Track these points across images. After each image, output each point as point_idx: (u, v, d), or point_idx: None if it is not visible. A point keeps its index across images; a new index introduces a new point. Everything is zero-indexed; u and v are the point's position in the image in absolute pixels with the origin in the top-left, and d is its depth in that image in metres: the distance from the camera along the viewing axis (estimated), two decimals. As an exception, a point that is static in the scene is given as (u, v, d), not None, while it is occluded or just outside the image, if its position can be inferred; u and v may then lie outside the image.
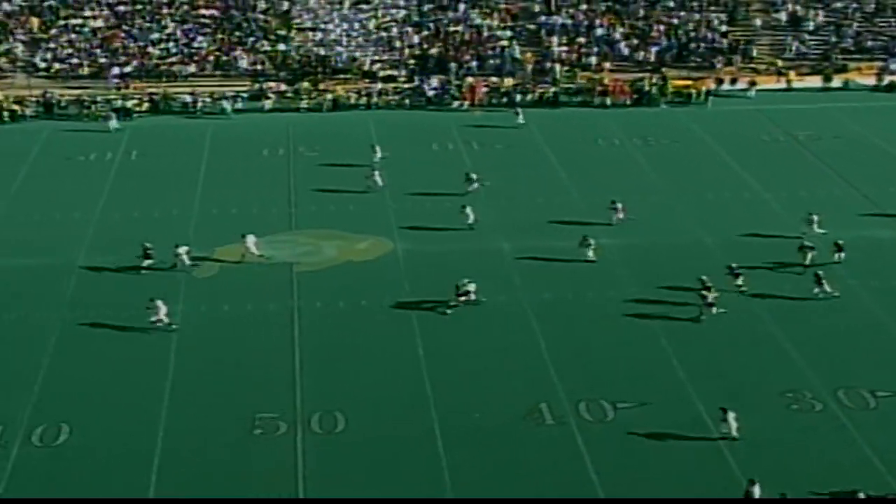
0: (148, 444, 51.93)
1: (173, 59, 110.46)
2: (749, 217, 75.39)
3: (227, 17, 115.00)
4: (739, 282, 64.46)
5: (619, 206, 74.56)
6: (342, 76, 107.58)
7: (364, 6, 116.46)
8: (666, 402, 54.35)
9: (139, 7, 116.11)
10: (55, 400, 55.78)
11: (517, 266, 68.99)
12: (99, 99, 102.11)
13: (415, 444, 51.76)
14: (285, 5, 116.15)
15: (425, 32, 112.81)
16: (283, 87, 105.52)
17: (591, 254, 69.24)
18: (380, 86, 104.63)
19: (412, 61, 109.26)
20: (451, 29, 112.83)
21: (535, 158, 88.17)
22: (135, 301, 64.83)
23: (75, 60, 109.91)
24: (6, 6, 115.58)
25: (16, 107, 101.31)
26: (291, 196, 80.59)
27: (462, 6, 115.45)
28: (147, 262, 68.95)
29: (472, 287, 63.57)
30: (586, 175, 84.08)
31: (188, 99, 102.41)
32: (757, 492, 46.54)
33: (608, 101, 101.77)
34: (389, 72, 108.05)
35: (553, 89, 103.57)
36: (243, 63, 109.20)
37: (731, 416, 50.99)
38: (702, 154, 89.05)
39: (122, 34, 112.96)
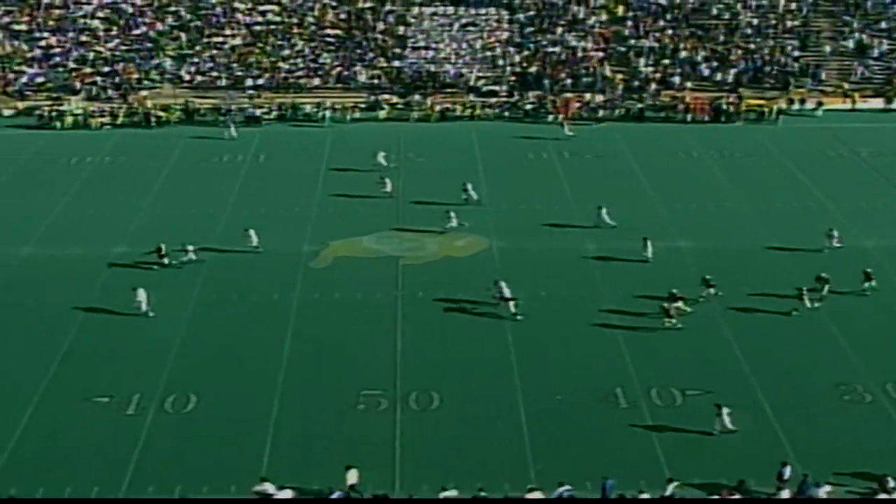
0: (264, 413, 52.37)
1: (300, 73, 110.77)
2: (813, 224, 74.09)
3: (349, 36, 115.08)
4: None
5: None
6: (449, 90, 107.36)
7: (472, 28, 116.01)
8: (729, 392, 53.69)
9: (272, 27, 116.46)
10: (186, 372, 56.43)
11: (597, 265, 68.44)
12: (233, 108, 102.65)
13: (501, 421, 51.67)
14: (401, 29, 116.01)
15: (525, 52, 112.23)
16: (396, 99, 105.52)
17: (648, 253, 68.71)
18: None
19: (512, 78, 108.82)
20: (549, 50, 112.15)
21: (620, 168, 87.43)
22: (256, 286, 65.67)
23: (215, 73, 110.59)
24: (159, 26, 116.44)
25: (161, 114, 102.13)
26: (398, 195, 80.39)
27: (559, 29, 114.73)
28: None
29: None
30: (666, 183, 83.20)
31: (310, 109, 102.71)
32: (787, 473, 46.08)
33: (689, 117, 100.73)
34: (492, 87, 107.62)
35: (639, 105, 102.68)
36: (362, 77, 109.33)
37: (724, 411, 50.16)
38: (772, 167, 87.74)
39: (257, 50, 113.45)
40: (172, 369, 56.69)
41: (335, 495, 45.57)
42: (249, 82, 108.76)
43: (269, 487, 45.89)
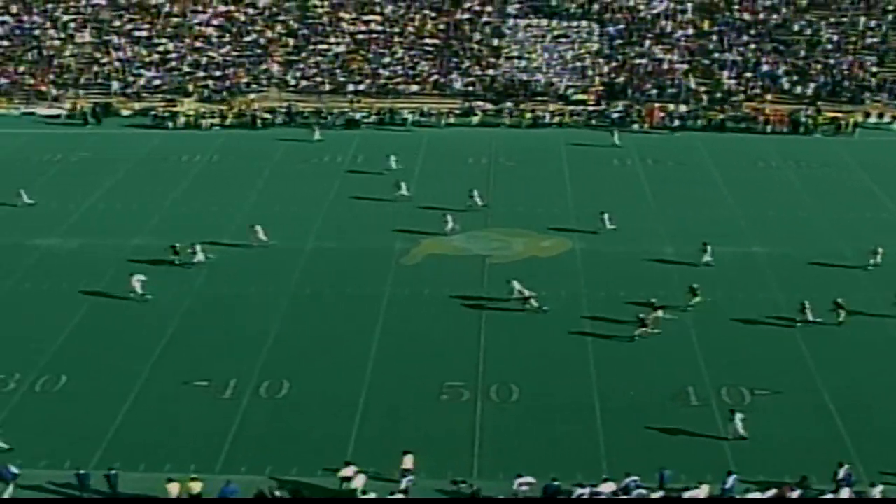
0: (352, 401, 52.64)
1: (399, 79, 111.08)
2: (885, 233, 72.99)
3: (447, 45, 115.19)
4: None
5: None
6: (540, 98, 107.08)
7: (564, 40, 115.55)
8: (796, 393, 53.06)
9: (375, 36, 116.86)
10: (280, 360, 56.89)
11: (676, 269, 67.84)
12: (335, 111, 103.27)
13: (577, 415, 51.48)
14: (495, 42, 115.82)
15: (614, 63, 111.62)
16: (489, 105, 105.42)
17: (707, 258, 67.97)
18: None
19: (600, 88, 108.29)
20: (637, 61, 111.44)
21: (701, 175, 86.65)
22: (350, 280, 66.19)
23: (319, 79, 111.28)
24: (269, 33, 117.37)
25: (267, 116, 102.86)
26: (488, 198, 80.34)
27: (647, 42, 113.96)
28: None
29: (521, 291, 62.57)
30: (745, 191, 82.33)
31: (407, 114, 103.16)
32: (843, 473, 45.44)
33: (769, 128, 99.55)
34: (580, 96, 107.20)
35: (721, 116, 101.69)
36: (457, 84, 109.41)
37: (738, 417, 49.45)
38: (848, 178, 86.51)
39: (359, 58, 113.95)
40: (268, 357, 57.20)
41: (406, 481, 45.62)
42: (351, 87, 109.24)
43: (349, 471, 46.10)
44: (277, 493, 44.86)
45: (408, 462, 46.58)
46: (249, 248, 71.08)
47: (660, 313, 60.14)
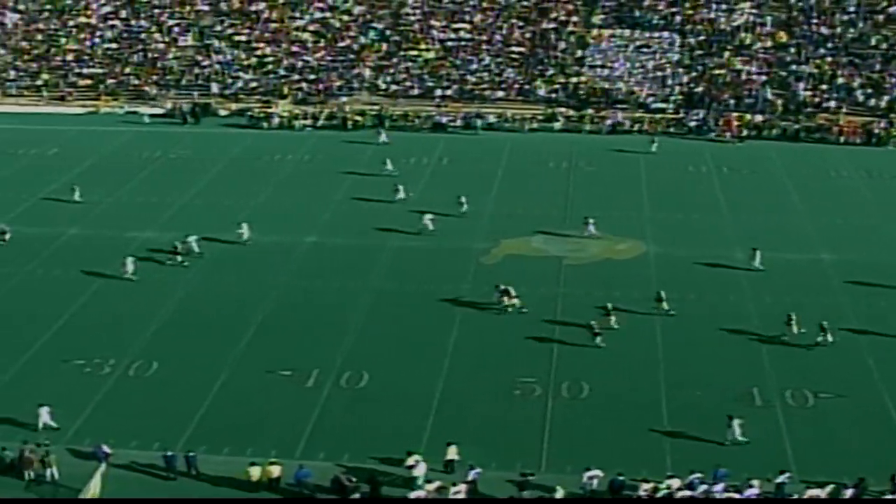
0: (428, 393, 52.81)
1: (485, 85, 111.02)
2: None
3: (532, 53, 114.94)
4: None
5: None
6: (620, 106, 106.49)
7: (645, 49, 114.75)
8: (860, 397, 52.39)
9: (463, 43, 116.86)
10: (362, 351, 57.16)
11: (744, 274, 67.06)
12: (422, 115, 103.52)
13: (643, 412, 51.12)
14: (579, 53, 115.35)
15: (693, 73, 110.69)
16: (571, 112, 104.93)
17: (756, 263, 67.30)
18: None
19: (680, 97, 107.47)
20: (716, 72, 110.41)
21: (774, 184, 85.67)
22: (431, 277, 66.37)
23: (408, 83, 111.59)
24: (362, 39, 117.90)
25: (358, 118, 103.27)
26: (567, 201, 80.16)
27: (726, 53, 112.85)
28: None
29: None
30: (815, 199, 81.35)
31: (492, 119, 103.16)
32: None
33: (842, 139, 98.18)
34: (660, 104, 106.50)
35: (795, 126, 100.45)
36: (541, 91, 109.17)
37: (735, 422, 48.64)
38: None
39: (448, 64, 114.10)
40: (350, 349, 57.45)
41: (474, 473, 45.58)
42: (438, 92, 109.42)
43: (412, 460, 46.11)
44: (353, 480, 45.04)
45: (452, 453, 46.64)
46: (333, 243, 71.45)
47: (612, 319, 59.65)
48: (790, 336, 58.15)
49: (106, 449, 46.43)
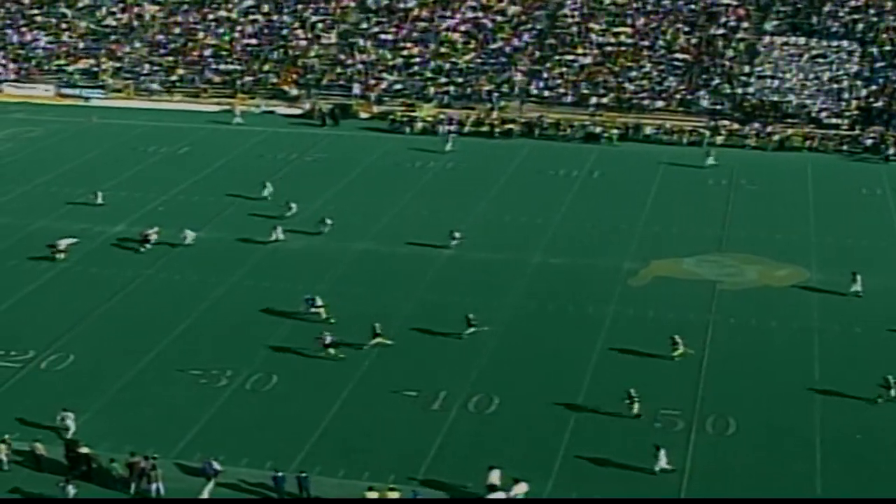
0: (563, 421, 52.24)
1: (644, 94, 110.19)
2: None
3: (697, 61, 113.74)
4: None
5: None
6: (790, 120, 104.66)
7: (821, 60, 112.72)
8: None
9: (623, 48, 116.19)
10: (493, 374, 56.92)
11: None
12: (575, 124, 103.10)
13: (795, 454, 49.91)
14: (748, 63, 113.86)
15: (873, 87, 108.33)
16: (735, 126, 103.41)
17: (856, 288, 65.94)
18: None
19: (856, 112, 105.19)
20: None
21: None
22: (574, 297, 65.99)
23: (562, 90, 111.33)
24: (515, 41, 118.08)
25: (509, 126, 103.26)
26: (725, 221, 79.05)
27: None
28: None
29: None
30: None
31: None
32: None
33: None
34: (833, 120, 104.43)
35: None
36: (704, 102, 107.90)
37: (661, 452, 48.12)
38: None
39: (605, 70, 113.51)
40: (482, 370, 57.32)
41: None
42: (594, 100, 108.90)
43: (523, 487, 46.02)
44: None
45: (494, 478, 46.30)
46: (473, 258, 71.62)
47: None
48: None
49: (216, 465, 46.98)
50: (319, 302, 63.03)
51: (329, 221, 76.00)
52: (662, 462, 48.22)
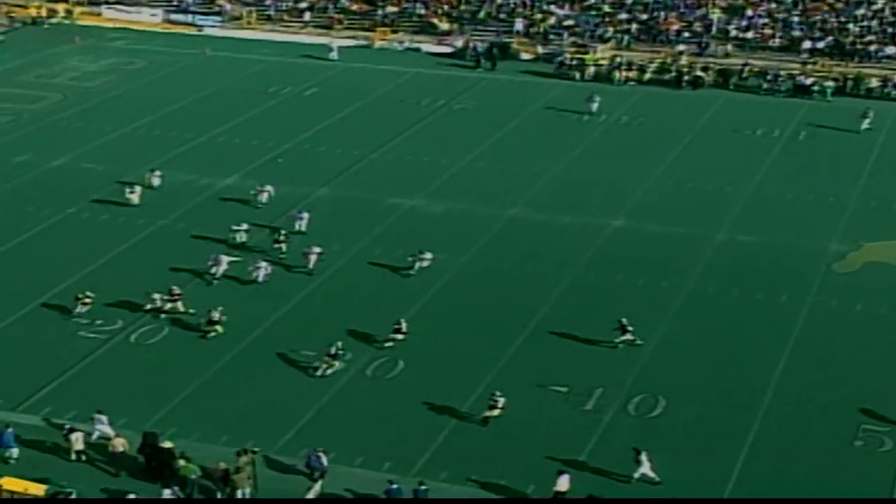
0: (740, 431, 51.89)
1: (872, 37, 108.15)
2: None
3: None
4: None
5: None
6: None
7: None
8: None
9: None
10: (660, 371, 56.93)
11: None
12: (782, 73, 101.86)
13: None
14: None
15: None
16: None
17: None
18: None
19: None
20: None
21: None
22: (765, 282, 65.67)
23: (769, 31, 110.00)
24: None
25: (701, 74, 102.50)
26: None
27: None
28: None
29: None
30: None
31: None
32: None
33: None
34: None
35: None
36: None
37: (643, 456, 47.57)
38: None
39: (826, 7, 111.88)
40: (646, 366, 57.25)
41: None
42: (807, 45, 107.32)
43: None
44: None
45: (562, 484, 46.38)
46: (646, 230, 71.77)
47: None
48: None
49: (324, 460, 46.93)
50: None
51: (429, 255, 67.66)
52: (647, 469, 47.94)
